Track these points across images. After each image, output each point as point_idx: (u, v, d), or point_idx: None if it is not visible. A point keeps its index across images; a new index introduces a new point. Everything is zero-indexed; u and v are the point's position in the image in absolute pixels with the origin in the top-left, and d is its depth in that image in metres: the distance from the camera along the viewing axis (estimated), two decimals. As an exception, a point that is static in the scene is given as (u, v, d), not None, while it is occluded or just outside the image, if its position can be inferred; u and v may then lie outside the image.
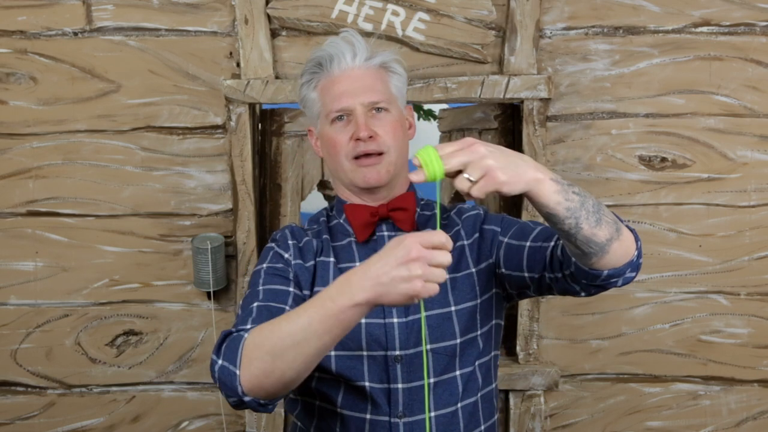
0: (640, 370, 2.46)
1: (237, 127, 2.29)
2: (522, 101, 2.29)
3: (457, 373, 1.60)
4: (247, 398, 1.35)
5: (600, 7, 2.30)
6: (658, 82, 2.33)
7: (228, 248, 2.36)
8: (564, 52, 2.31)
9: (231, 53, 2.31)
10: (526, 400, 2.43)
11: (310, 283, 1.60)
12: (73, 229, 2.39)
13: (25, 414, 2.47)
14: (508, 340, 2.43)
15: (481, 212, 1.70)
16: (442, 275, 1.24)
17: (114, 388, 2.47)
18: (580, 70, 2.32)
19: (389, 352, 1.57)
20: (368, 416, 1.58)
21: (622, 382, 2.47)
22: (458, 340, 1.59)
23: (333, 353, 1.57)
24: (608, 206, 1.44)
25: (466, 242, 1.65)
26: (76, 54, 2.31)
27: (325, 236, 1.67)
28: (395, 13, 2.26)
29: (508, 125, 2.49)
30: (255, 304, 1.50)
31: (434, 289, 1.24)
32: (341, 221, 1.69)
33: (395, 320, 1.58)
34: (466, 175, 1.25)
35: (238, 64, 2.31)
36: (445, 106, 2.64)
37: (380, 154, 1.60)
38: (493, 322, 1.66)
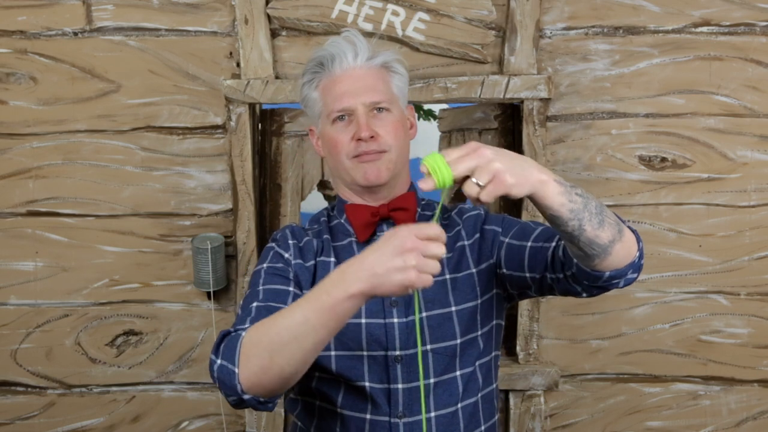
0: (640, 370, 2.46)
1: (237, 127, 2.29)
2: (522, 101, 2.29)
3: (458, 373, 1.60)
4: (246, 396, 1.35)
5: (600, 7, 2.30)
6: (658, 82, 2.33)
7: (228, 248, 2.36)
8: (564, 52, 2.32)
9: (231, 53, 2.31)
10: (526, 400, 2.43)
11: (311, 283, 1.60)
12: (73, 229, 2.39)
13: (25, 414, 2.47)
14: (508, 340, 2.43)
15: (482, 212, 1.70)
16: (437, 266, 1.25)
17: (114, 388, 2.47)
18: (580, 70, 2.32)
19: (389, 352, 1.57)
20: (368, 416, 1.58)
21: (622, 382, 2.47)
22: (458, 341, 1.59)
23: (333, 353, 1.57)
24: (608, 206, 1.44)
25: (466, 242, 1.65)
26: (76, 54, 2.31)
27: (325, 236, 1.67)
28: (395, 13, 2.26)
29: (508, 125, 2.49)
30: (254, 304, 1.50)
31: (428, 280, 1.25)
32: (342, 221, 1.69)
33: (395, 320, 1.58)
34: (474, 180, 1.25)
35: (238, 64, 2.31)
36: (445, 106, 2.64)
37: (381, 152, 1.60)
38: (494, 322, 1.66)
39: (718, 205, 2.38)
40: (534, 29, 2.26)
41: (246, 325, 1.42)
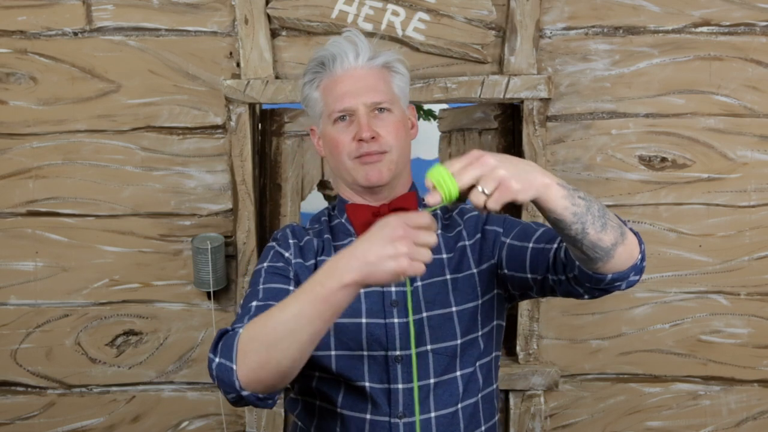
0: (640, 370, 2.46)
1: (237, 127, 2.29)
2: (522, 101, 2.29)
3: (458, 373, 1.60)
4: (245, 393, 1.35)
5: (600, 7, 2.30)
6: (658, 82, 2.33)
7: (228, 248, 2.36)
8: (564, 52, 2.32)
9: (231, 53, 2.31)
10: (526, 400, 2.43)
11: (311, 283, 1.60)
12: (73, 229, 2.39)
13: (25, 414, 2.47)
14: (508, 340, 2.42)
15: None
16: (428, 255, 1.26)
17: (114, 388, 2.47)
18: (580, 70, 2.32)
19: (389, 352, 1.57)
20: (368, 416, 1.58)
21: (622, 382, 2.47)
22: (459, 341, 1.59)
23: (333, 353, 1.57)
24: (608, 206, 1.44)
25: (467, 243, 1.65)
26: (76, 54, 2.31)
27: (326, 236, 1.67)
28: (395, 13, 2.26)
29: (508, 125, 2.49)
30: (254, 303, 1.50)
31: (420, 267, 1.25)
32: (343, 221, 1.69)
33: (396, 320, 1.58)
34: (480, 189, 1.25)
35: (238, 64, 2.31)
36: (445, 106, 2.64)
37: (382, 153, 1.60)
38: (494, 322, 1.66)
39: (718, 205, 2.38)
40: (534, 29, 2.26)
41: (244, 323, 1.42)
